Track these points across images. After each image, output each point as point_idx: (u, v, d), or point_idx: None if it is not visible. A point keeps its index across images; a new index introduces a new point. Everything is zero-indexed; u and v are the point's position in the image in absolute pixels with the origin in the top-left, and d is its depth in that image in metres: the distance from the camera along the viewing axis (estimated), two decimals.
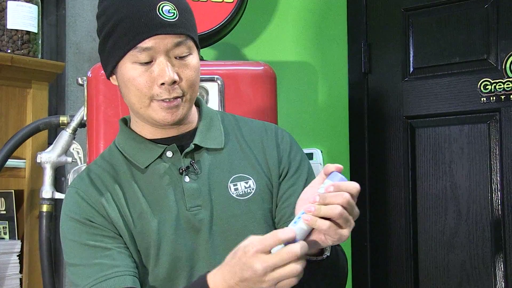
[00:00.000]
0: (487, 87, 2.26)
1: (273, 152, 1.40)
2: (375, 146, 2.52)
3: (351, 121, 2.58)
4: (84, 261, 1.29)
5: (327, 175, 1.15)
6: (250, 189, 1.35)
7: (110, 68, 1.33)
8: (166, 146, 1.35)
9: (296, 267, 1.06)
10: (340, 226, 1.11)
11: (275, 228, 1.37)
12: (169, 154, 1.35)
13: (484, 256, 2.25)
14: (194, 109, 1.41)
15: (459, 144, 2.32)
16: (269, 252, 1.06)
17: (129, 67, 1.29)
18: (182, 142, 1.37)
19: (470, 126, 2.30)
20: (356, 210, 1.12)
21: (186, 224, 1.31)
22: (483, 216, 2.26)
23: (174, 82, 1.28)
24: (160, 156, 1.35)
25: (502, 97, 2.23)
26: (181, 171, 1.33)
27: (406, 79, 2.45)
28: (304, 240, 1.11)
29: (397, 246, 2.42)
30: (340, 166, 1.15)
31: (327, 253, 1.22)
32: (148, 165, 1.35)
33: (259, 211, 1.35)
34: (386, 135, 2.48)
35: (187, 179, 1.33)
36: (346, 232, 1.11)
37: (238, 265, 1.09)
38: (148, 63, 1.28)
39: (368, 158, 2.52)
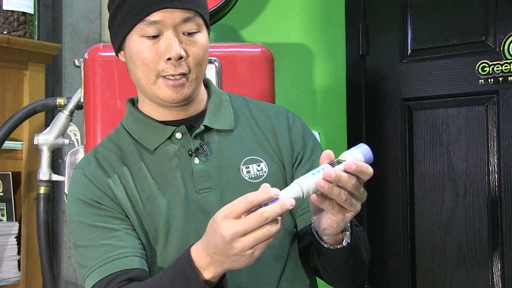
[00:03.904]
0: (485, 69, 2.25)
1: (284, 136, 1.38)
2: (372, 128, 2.52)
3: (349, 103, 2.57)
4: (91, 242, 1.28)
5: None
6: (262, 172, 1.34)
7: (119, 42, 1.32)
8: (176, 127, 1.33)
9: (270, 230, 1.02)
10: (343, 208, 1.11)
11: (291, 214, 1.37)
12: (178, 135, 1.33)
13: (481, 237, 2.26)
14: (203, 90, 1.40)
15: (456, 126, 2.31)
16: (240, 217, 1.03)
17: (136, 41, 1.27)
18: (192, 124, 1.35)
19: (467, 108, 2.30)
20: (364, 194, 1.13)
21: (195, 207, 1.30)
22: (480, 198, 2.26)
23: (181, 57, 1.26)
24: (169, 138, 1.34)
25: (500, 79, 2.22)
26: (190, 152, 1.32)
27: (404, 61, 2.44)
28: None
29: (394, 227, 2.43)
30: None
31: (348, 240, 1.21)
32: (157, 147, 1.34)
33: None
34: (383, 117, 2.48)
35: (196, 160, 1.32)
36: (349, 214, 1.12)
37: (211, 232, 1.07)
38: (156, 37, 1.26)
39: (365, 140, 2.52)
